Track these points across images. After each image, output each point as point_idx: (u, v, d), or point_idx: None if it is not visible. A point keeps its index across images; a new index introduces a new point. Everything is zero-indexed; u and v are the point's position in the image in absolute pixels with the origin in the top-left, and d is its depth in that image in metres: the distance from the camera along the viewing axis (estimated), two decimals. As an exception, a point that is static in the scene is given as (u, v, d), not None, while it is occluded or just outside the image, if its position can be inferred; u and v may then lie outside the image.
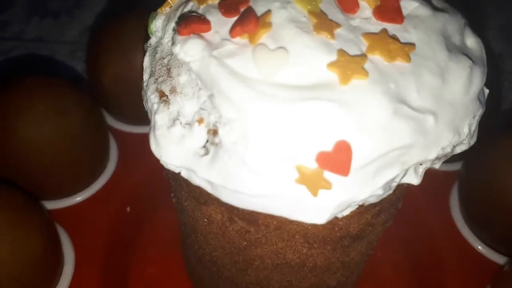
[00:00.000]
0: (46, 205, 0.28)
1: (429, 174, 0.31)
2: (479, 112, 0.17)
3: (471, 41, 0.18)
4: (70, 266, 0.27)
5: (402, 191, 0.19)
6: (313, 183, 0.14)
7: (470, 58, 0.16)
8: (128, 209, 0.31)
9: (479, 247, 0.29)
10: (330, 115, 0.14)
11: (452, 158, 0.31)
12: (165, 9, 0.18)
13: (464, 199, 0.29)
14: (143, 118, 0.33)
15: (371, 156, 0.14)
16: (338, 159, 0.13)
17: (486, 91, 0.18)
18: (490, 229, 0.28)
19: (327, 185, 0.14)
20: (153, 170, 0.32)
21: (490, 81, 0.30)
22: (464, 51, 0.17)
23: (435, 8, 0.17)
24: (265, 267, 0.20)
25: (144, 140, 0.33)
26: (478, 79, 0.16)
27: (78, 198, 0.30)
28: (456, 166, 0.32)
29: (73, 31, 0.50)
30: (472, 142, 0.18)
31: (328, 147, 0.14)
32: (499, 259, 0.28)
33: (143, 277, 0.30)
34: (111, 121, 0.33)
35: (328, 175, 0.14)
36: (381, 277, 0.31)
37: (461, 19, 0.18)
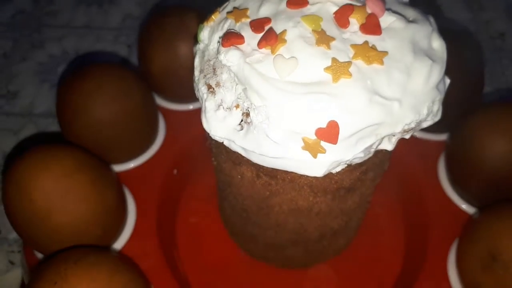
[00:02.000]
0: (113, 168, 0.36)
1: (422, 144, 0.38)
2: (438, 97, 0.23)
3: (436, 44, 0.23)
4: (133, 215, 0.34)
5: (386, 156, 0.25)
6: (313, 149, 0.20)
7: (431, 58, 0.22)
8: (175, 171, 0.37)
9: (463, 206, 0.34)
10: (325, 103, 0.20)
11: (440, 130, 0.37)
12: (210, 22, 0.24)
13: (449, 164, 0.35)
14: (185, 98, 0.39)
15: (352, 130, 0.20)
16: (330, 133, 0.20)
17: (447, 81, 0.24)
18: (470, 188, 0.34)
19: (323, 150, 0.20)
20: (194, 140, 0.39)
21: (474, 62, 0.36)
22: (428, 53, 0.22)
23: (409, 21, 0.23)
24: (283, 211, 0.27)
25: (186, 116, 0.40)
26: (436, 73, 0.22)
27: (135, 163, 0.36)
28: (444, 137, 0.38)
29: (115, 18, 0.57)
30: (436, 119, 0.24)
31: (323, 124, 0.20)
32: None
33: (187, 225, 0.36)
34: (159, 100, 0.40)
35: (323, 143, 0.20)
36: (378, 228, 0.37)
37: (429, 27, 0.23)
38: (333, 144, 0.20)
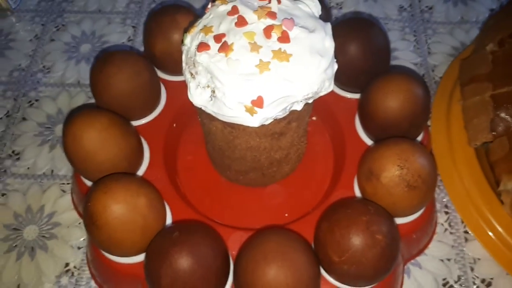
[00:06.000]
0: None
1: (345, 101, 0.53)
2: (326, 78, 0.38)
3: (328, 44, 0.38)
4: (147, 154, 0.50)
5: (302, 113, 0.41)
6: (251, 111, 0.36)
7: (321, 55, 0.37)
8: (174, 125, 0.51)
9: (367, 141, 0.48)
10: (255, 85, 0.35)
11: (357, 91, 0.52)
12: (191, 33, 0.39)
13: (359, 114, 0.50)
14: (179, 72, 0.54)
15: (271, 100, 0.35)
16: (258, 102, 0.35)
17: (335, 66, 0.39)
18: (370, 130, 0.48)
19: (256, 112, 0.36)
20: (186, 102, 0.54)
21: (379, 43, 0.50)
22: (321, 51, 0.37)
23: (310, 31, 0.38)
24: (242, 148, 0.43)
25: (180, 84, 0.55)
26: (324, 64, 0.37)
27: (146, 120, 0.49)
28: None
29: (121, 3, 0.70)
30: (330, 89, 0.39)
31: (255, 97, 0.35)
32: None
33: (185, 161, 0.50)
34: (160, 74, 0.55)
35: (256, 108, 0.36)
36: (315, 160, 0.51)
37: (323, 33, 0.38)
38: (261, 108, 0.36)
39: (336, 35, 0.48)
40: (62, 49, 0.65)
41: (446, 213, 0.53)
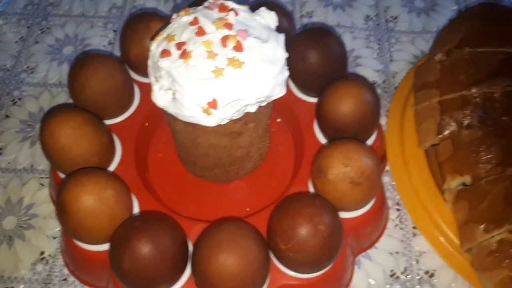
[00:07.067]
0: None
1: (306, 104, 0.57)
2: (277, 84, 0.42)
3: (279, 53, 0.42)
4: (119, 152, 0.54)
5: (258, 115, 0.45)
6: (207, 112, 0.40)
7: (272, 62, 0.41)
8: (146, 124, 0.54)
9: (323, 141, 0.51)
10: (210, 89, 0.39)
11: (316, 95, 0.56)
12: (156, 41, 0.43)
13: (317, 117, 0.54)
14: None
15: (225, 103, 0.39)
16: (213, 104, 0.39)
17: (286, 73, 0.43)
18: (325, 131, 0.52)
19: (211, 113, 0.40)
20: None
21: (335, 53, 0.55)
22: (272, 59, 0.42)
23: (263, 41, 0.42)
24: (205, 146, 0.47)
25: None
26: (275, 71, 0.41)
27: (120, 119, 0.53)
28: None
29: (104, 8, 0.74)
30: (282, 94, 0.44)
31: (210, 100, 0.39)
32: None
33: (155, 158, 0.53)
34: (134, 76, 0.59)
35: (211, 109, 0.40)
36: (278, 158, 0.54)
37: (275, 43, 0.42)
38: (216, 109, 0.40)
39: (297, 44, 0.53)
40: (46, 51, 0.69)
41: (398, 210, 0.57)
